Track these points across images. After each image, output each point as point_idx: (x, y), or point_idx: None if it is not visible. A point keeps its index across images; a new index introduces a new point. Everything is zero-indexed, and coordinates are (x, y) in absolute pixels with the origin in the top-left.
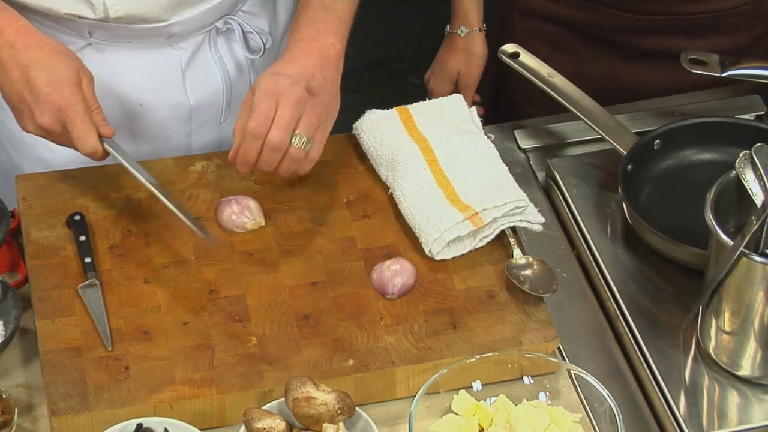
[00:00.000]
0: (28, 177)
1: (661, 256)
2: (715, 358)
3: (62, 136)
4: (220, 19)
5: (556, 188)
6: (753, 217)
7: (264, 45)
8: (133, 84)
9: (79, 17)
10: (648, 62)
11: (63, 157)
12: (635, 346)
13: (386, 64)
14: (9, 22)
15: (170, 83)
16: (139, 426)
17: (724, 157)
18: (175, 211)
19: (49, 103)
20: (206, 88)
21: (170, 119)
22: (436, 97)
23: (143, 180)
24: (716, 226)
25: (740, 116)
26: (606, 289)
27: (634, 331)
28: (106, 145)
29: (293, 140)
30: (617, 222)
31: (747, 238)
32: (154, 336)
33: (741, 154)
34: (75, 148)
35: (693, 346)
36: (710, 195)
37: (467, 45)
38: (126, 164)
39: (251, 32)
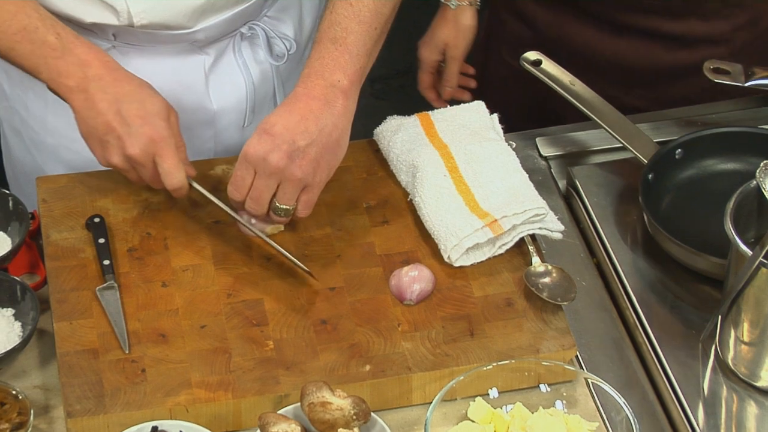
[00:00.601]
0: (49, 179)
1: (681, 265)
2: (733, 368)
3: (146, 170)
4: (244, 24)
5: (576, 196)
6: None
7: (287, 51)
8: (156, 87)
9: (104, 25)
10: (627, 38)
11: (86, 159)
12: (653, 356)
13: (413, 72)
14: (96, 56)
15: (194, 87)
16: (155, 429)
17: (745, 167)
18: (279, 248)
19: (142, 135)
20: (230, 93)
21: (193, 123)
22: (426, 64)
23: (237, 216)
24: (735, 236)
25: (763, 126)
26: (625, 297)
27: (652, 340)
28: (191, 181)
29: (272, 207)
30: (637, 231)
31: (766, 248)
32: (171, 339)
33: (762, 164)
34: (155, 184)
35: (712, 357)
36: (730, 205)
37: (457, 17)
38: (216, 200)
39: (275, 38)
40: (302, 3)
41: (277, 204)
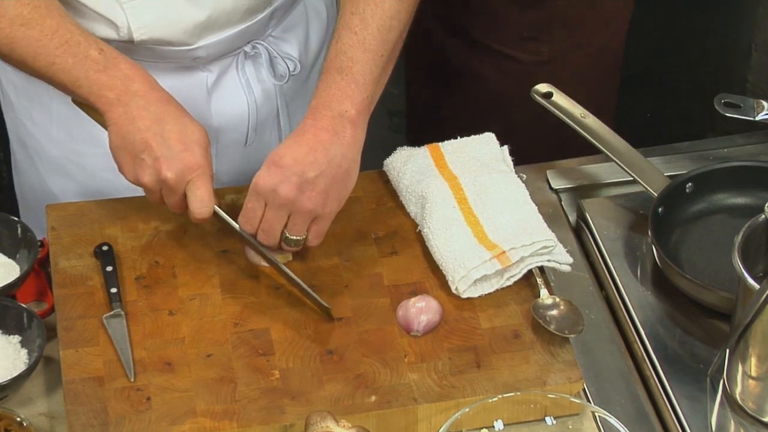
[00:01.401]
0: (58, 207)
1: (690, 299)
2: (741, 403)
3: (174, 195)
4: (247, 43)
5: (586, 229)
6: None
7: (290, 71)
8: None
9: (106, 39)
10: None
11: (88, 172)
12: (661, 390)
13: None
14: (139, 72)
15: (195, 104)
16: None
17: (756, 202)
18: (298, 281)
19: (181, 160)
20: (232, 111)
21: None
22: None
23: (260, 247)
24: (743, 270)
25: None
26: (633, 331)
27: (660, 374)
28: (216, 208)
29: (282, 237)
30: (647, 264)
31: None
32: (177, 367)
33: None
34: (176, 209)
35: (720, 391)
36: (738, 238)
37: None
38: (236, 226)
39: (278, 57)
40: (309, 23)
41: (288, 235)
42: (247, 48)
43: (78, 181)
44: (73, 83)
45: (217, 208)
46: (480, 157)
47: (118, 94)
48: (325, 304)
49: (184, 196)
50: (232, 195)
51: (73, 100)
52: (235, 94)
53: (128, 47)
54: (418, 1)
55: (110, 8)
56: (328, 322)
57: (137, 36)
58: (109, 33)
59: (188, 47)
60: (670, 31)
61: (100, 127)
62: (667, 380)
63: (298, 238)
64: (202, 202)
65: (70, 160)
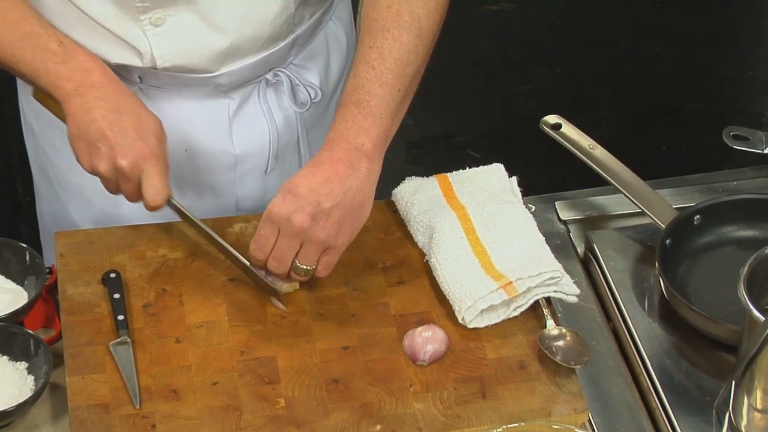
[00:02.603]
0: (67, 234)
1: (697, 331)
2: None
3: (130, 183)
4: (269, 71)
5: (594, 261)
6: None
7: (311, 99)
8: (180, 129)
9: (129, 66)
10: None
11: (110, 199)
12: (667, 422)
13: (447, 138)
14: (97, 64)
15: (217, 131)
16: None
17: (764, 235)
18: (247, 263)
19: (134, 149)
20: (253, 138)
21: (214, 166)
22: None
23: (213, 234)
24: (748, 302)
25: None
26: (640, 362)
27: (666, 406)
28: (173, 201)
29: (292, 266)
30: (654, 296)
31: None
32: (182, 395)
33: None
34: (131, 198)
35: (726, 424)
36: (744, 270)
37: None
38: (193, 217)
39: (299, 85)
40: (329, 51)
41: (298, 264)
42: (269, 75)
43: (98, 207)
44: (32, 74)
45: (173, 199)
46: (488, 187)
47: (76, 85)
48: (270, 284)
49: (140, 185)
50: (240, 224)
51: (34, 96)
52: (257, 122)
53: (152, 74)
54: (436, 37)
55: (134, 35)
56: (335, 351)
57: (160, 63)
58: (133, 59)
59: (211, 74)
60: (688, 65)
61: None
62: (673, 412)
63: (308, 267)
64: (155, 190)
65: (91, 187)
